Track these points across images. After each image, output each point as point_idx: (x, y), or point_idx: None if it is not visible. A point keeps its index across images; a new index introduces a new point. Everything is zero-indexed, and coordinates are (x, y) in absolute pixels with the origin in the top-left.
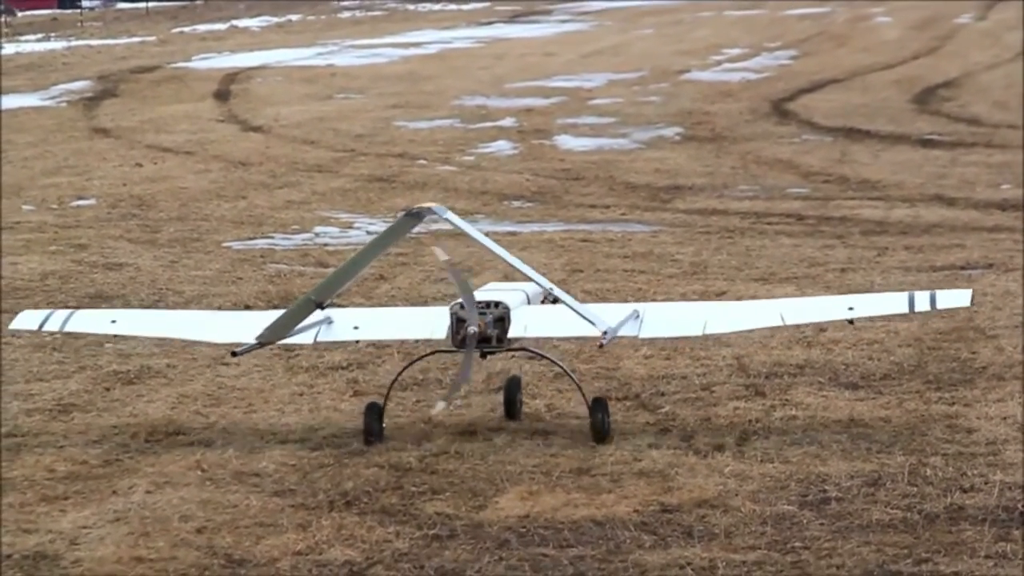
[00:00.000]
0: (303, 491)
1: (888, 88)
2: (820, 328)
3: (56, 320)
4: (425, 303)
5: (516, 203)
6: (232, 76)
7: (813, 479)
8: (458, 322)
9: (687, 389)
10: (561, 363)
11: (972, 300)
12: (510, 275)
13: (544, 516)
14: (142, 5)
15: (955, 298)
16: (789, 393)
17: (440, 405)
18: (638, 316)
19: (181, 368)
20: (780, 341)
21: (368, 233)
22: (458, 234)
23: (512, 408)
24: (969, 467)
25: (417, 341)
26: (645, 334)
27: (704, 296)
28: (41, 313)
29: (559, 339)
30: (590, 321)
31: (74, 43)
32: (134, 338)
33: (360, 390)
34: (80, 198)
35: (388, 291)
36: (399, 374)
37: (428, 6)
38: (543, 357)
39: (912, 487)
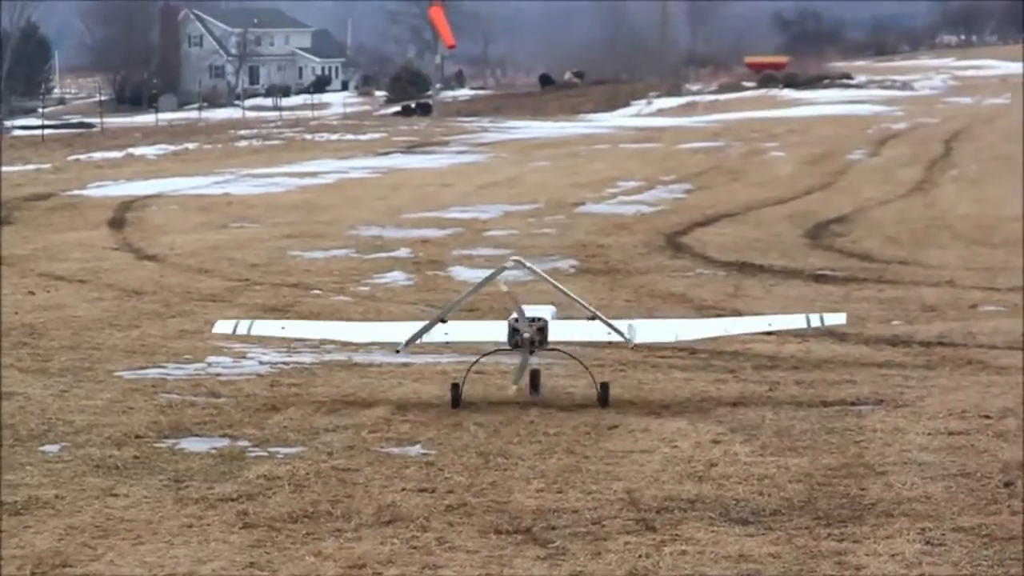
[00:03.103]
0: None
1: (781, 223)
2: (711, 463)
3: (243, 327)
4: (316, 434)
5: None
6: (127, 204)
7: None
8: (512, 331)
9: (578, 523)
10: (579, 358)
11: (846, 320)
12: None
13: None
14: (38, 132)
15: (836, 319)
16: (680, 528)
17: (512, 388)
18: (632, 328)
19: (69, 499)
20: (671, 476)
21: (261, 363)
22: None
23: (536, 388)
24: None
25: (486, 342)
26: (638, 340)
27: (595, 428)
28: (231, 322)
29: (582, 343)
30: (619, 332)
31: None
32: (301, 340)
33: (250, 522)
34: None
35: (280, 421)
36: (475, 362)
37: (326, 135)
38: (568, 355)
39: None
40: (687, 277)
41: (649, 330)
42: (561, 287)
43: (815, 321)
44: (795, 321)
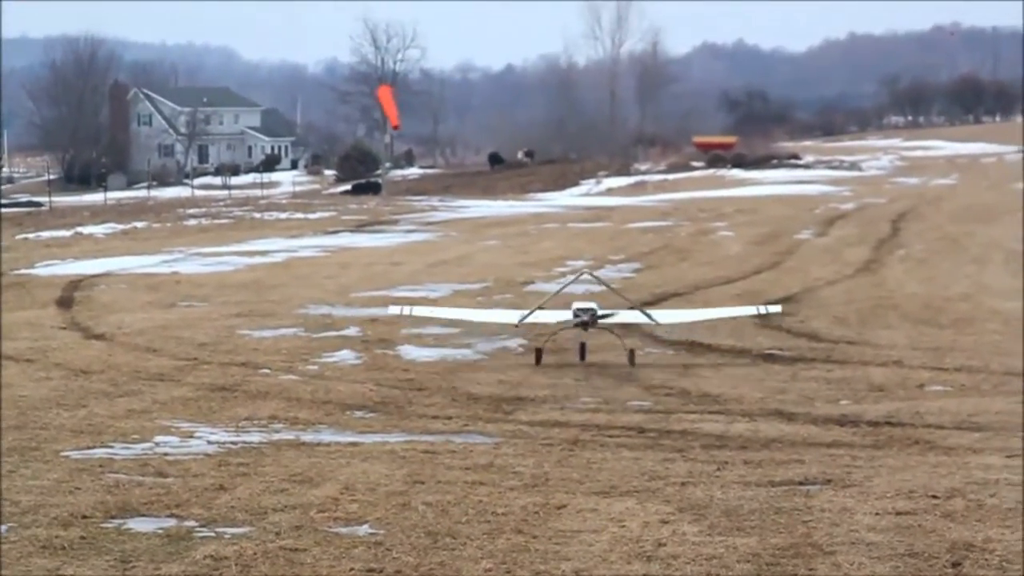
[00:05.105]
0: None
1: (730, 302)
2: (660, 543)
3: (407, 310)
4: (264, 514)
5: (359, 413)
6: (76, 283)
7: None
8: (575, 315)
9: None
10: (615, 332)
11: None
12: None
13: None
14: None
15: (774, 309)
16: None
17: (580, 359)
18: (653, 316)
19: None
20: (620, 556)
21: (209, 443)
22: None
23: (583, 356)
24: None
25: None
26: (660, 320)
27: (543, 508)
28: (398, 307)
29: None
30: (648, 316)
31: None
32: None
33: None
34: None
35: (228, 501)
36: (552, 334)
37: (275, 214)
38: (609, 330)
39: None
40: (636, 356)
41: (664, 316)
42: (615, 289)
43: (761, 310)
44: (747, 310)
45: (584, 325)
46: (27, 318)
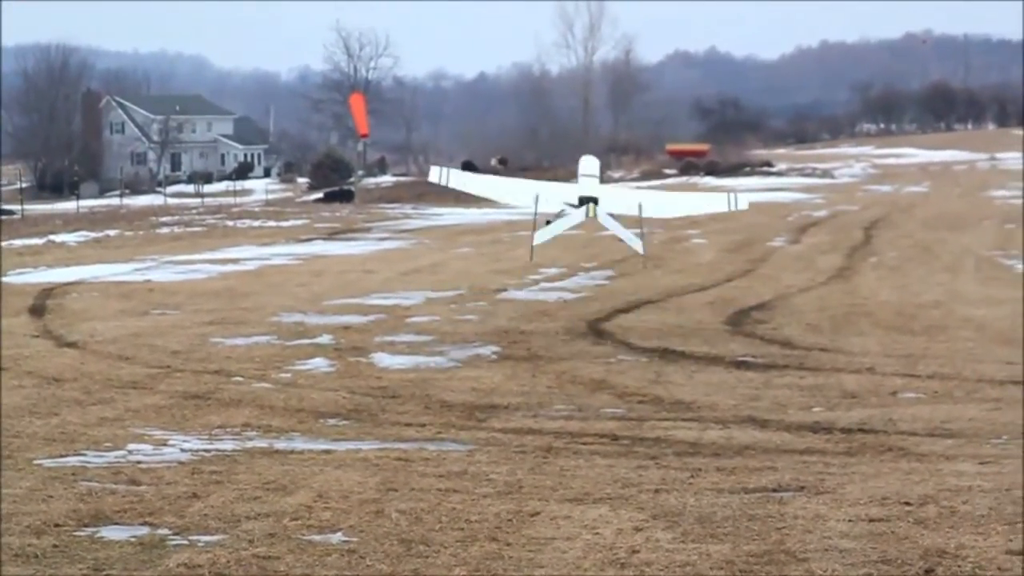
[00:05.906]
0: None
1: (703, 310)
2: (633, 550)
3: (444, 176)
4: (237, 521)
5: (332, 421)
6: (48, 291)
7: None
8: (580, 202)
9: None
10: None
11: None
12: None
13: None
14: None
15: (743, 202)
16: None
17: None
18: (640, 204)
19: None
20: (593, 563)
21: (182, 451)
22: None
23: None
24: None
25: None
26: (645, 214)
27: (517, 515)
28: (437, 169)
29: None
30: (631, 242)
31: None
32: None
33: None
34: None
35: (201, 509)
36: (556, 214)
37: (248, 222)
38: (606, 227)
39: None
40: (608, 364)
41: (653, 204)
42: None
43: (732, 204)
44: (719, 203)
45: (585, 210)
46: None
